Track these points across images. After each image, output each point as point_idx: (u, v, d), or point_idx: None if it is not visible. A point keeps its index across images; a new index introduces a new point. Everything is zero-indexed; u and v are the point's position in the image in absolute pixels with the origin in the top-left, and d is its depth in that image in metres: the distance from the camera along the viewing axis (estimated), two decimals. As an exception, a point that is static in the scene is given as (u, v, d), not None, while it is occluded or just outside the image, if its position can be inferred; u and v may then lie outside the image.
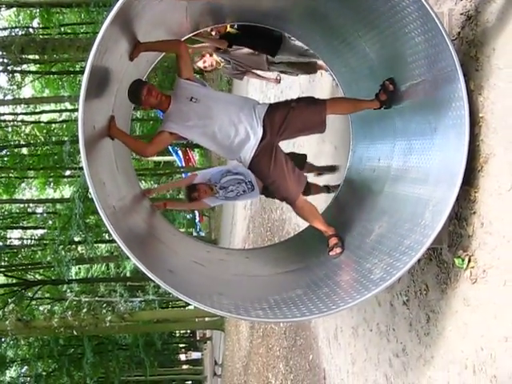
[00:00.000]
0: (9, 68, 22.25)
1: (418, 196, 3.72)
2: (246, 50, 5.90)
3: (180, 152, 26.90)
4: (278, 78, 6.26)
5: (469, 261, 3.25)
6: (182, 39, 5.02)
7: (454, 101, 3.23)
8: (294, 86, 9.51)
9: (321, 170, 6.36)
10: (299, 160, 6.06)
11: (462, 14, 3.39)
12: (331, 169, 6.28)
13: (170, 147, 27.75)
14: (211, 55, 5.72)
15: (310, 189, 6.17)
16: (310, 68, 6.23)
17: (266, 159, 4.13)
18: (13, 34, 22.73)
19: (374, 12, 3.78)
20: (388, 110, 4.30)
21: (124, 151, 4.48)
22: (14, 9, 23.45)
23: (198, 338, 43.47)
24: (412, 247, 3.31)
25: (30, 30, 24.39)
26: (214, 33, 5.44)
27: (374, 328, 4.87)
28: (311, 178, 6.20)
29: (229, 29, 5.52)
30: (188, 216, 31.30)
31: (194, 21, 4.83)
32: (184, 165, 27.12)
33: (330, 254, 4.16)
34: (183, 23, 4.69)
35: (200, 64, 5.71)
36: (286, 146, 5.76)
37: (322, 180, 6.41)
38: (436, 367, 3.64)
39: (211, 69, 5.81)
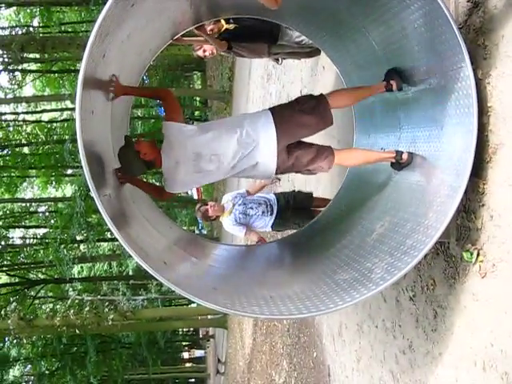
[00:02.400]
0: (9, 67, 22.21)
1: (423, 189, 3.65)
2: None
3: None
4: (280, 60, 6.20)
5: (477, 255, 3.17)
6: (184, 31, 4.94)
7: (462, 90, 3.15)
8: (295, 81, 9.43)
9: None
10: (306, 200, 6.16)
11: (468, 1, 3.30)
12: None
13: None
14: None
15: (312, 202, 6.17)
16: (311, 53, 6.14)
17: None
18: (13, 32, 22.65)
19: (380, 7, 3.70)
20: (392, 101, 4.24)
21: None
22: (14, 7, 23.42)
23: (200, 336, 43.46)
24: (414, 247, 3.22)
25: (30, 28, 24.29)
26: (210, 30, 5.33)
27: (380, 324, 4.79)
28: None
29: (226, 25, 5.44)
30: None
31: (197, 11, 4.73)
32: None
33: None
34: (187, 12, 4.59)
35: (200, 53, 5.64)
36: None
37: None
38: (444, 364, 3.57)
39: (211, 57, 5.76)
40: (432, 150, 3.64)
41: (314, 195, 6.43)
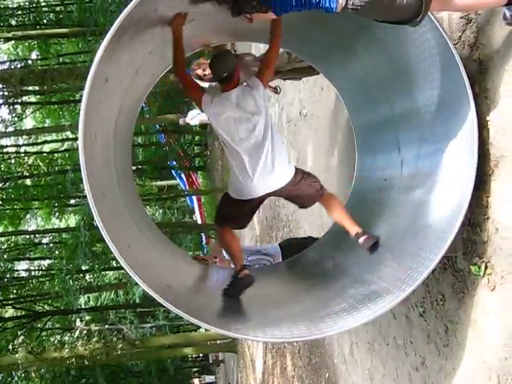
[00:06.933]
0: (9, 100, 22.36)
1: (423, 207, 3.66)
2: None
3: (183, 175, 26.89)
4: (278, 89, 6.11)
5: (485, 268, 3.18)
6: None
7: (461, 106, 3.17)
8: (294, 103, 9.49)
9: None
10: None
11: (461, 17, 3.35)
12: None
13: (173, 171, 27.79)
14: None
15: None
16: (311, 69, 6.09)
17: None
18: (12, 66, 22.87)
19: (380, 30, 3.76)
20: (391, 119, 4.28)
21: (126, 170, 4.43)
22: (13, 42, 23.66)
23: (210, 362, 43.05)
24: (405, 282, 3.30)
25: (29, 61, 24.52)
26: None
27: (391, 342, 4.76)
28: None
29: None
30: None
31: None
32: (187, 187, 27.10)
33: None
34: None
35: (199, 72, 5.43)
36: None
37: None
38: (458, 380, 3.54)
39: (210, 77, 5.61)
40: (434, 166, 3.65)
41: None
